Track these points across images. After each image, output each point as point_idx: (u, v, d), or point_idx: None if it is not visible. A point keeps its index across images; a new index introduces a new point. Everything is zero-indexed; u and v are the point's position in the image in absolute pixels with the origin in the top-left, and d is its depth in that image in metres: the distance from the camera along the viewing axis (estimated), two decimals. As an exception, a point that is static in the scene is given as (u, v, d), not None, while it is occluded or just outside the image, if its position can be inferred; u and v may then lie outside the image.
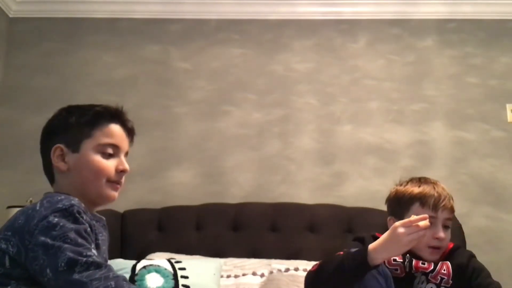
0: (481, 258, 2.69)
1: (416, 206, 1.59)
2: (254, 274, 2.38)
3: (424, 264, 1.54)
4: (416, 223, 1.36)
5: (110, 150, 1.28)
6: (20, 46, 3.16)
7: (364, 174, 2.97)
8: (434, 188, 1.61)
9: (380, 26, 3.19)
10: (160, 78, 3.14)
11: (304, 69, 3.14)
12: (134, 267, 2.13)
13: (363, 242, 1.61)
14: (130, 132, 1.36)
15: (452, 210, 1.61)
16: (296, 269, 2.34)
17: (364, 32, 3.19)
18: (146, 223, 2.75)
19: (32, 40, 3.17)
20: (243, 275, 2.38)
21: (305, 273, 2.28)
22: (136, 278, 2.07)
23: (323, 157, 3.00)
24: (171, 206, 2.83)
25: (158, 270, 2.11)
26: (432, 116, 3.05)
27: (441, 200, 1.58)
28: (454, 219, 2.62)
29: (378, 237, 1.60)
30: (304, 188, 2.94)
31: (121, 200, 2.86)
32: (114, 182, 1.28)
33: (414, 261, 1.55)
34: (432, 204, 1.58)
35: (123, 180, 1.31)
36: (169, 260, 2.21)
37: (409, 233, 1.36)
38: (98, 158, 1.25)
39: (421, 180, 1.67)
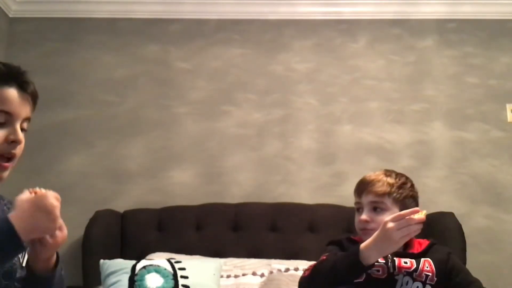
0: (481, 258, 2.71)
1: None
2: (254, 274, 2.38)
3: (406, 263, 1.50)
4: (408, 217, 1.31)
5: (1, 118, 1.10)
6: (20, 46, 3.16)
7: (364, 174, 2.96)
8: (367, 175, 1.69)
9: (380, 26, 3.19)
10: (160, 78, 3.14)
11: (304, 69, 3.14)
12: (134, 267, 2.13)
13: (341, 246, 1.61)
14: (32, 96, 1.17)
15: (376, 193, 1.58)
16: (296, 269, 2.33)
17: (364, 32, 3.19)
18: (146, 223, 2.75)
19: (32, 40, 3.17)
20: (243, 275, 2.38)
21: (305, 273, 2.30)
22: (136, 278, 2.07)
23: (323, 157, 3.00)
24: (171, 206, 2.83)
25: (158, 270, 2.11)
26: (432, 116, 3.05)
27: (361, 186, 1.63)
28: (453, 219, 2.62)
29: (354, 240, 1.61)
30: (304, 188, 2.94)
31: (121, 200, 2.89)
32: (1, 158, 1.11)
33: (396, 260, 1.50)
34: (356, 190, 1.65)
35: (16, 151, 1.13)
36: (169, 260, 2.21)
37: (399, 227, 1.31)
38: None
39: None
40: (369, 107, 3.08)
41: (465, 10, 3.17)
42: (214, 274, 2.24)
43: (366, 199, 1.59)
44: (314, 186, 2.95)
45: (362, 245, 1.37)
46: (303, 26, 3.20)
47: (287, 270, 2.33)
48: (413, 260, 1.51)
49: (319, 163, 2.99)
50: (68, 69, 3.13)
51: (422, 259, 1.52)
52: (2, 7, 3.12)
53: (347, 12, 3.21)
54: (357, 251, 1.36)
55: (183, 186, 2.95)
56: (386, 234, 1.33)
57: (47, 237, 1.06)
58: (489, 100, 3.06)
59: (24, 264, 1.14)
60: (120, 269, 2.15)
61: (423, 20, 3.19)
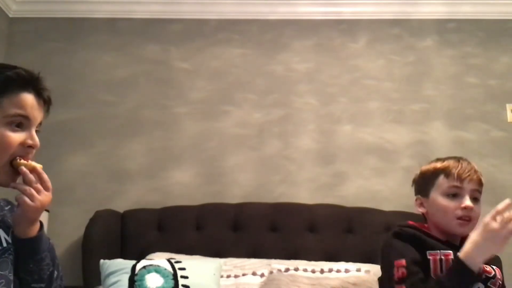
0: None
1: (441, 178, 1.50)
2: (254, 274, 2.38)
3: (487, 268, 1.42)
4: (507, 210, 1.28)
5: (18, 122, 1.12)
6: (20, 46, 3.16)
7: (364, 174, 2.97)
8: (459, 161, 1.53)
9: (380, 26, 3.19)
10: (160, 78, 3.14)
11: (304, 69, 3.14)
12: (134, 267, 2.13)
13: (416, 241, 1.46)
14: (45, 103, 1.20)
15: (480, 182, 1.51)
16: (296, 269, 2.33)
17: (364, 32, 3.19)
18: (146, 223, 2.75)
19: (32, 40, 3.17)
20: (243, 275, 2.38)
21: (305, 273, 2.30)
22: (136, 278, 2.07)
23: (323, 157, 3.00)
24: (171, 206, 2.83)
25: (158, 270, 2.11)
26: (432, 116, 3.05)
27: (466, 171, 1.49)
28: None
29: (422, 230, 1.47)
30: (304, 188, 2.94)
31: (121, 200, 2.89)
32: (15, 171, 1.12)
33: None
34: (457, 174, 1.49)
35: (30, 156, 1.15)
36: (169, 260, 2.21)
37: (504, 224, 1.26)
38: (2, 131, 1.09)
39: (446, 158, 1.58)
40: (369, 107, 3.07)
41: (465, 10, 3.17)
42: (214, 274, 2.24)
43: (470, 185, 1.49)
44: (314, 186, 2.95)
45: (463, 255, 1.29)
46: (303, 26, 3.20)
47: (287, 270, 2.33)
48: (491, 267, 1.44)
49: (319, 163, 2.99)
50: (68, 69, 3.13)
51: (494, 267, 1.46)
52: (2, 7, 3.12)
53: (347, 12, 3.21)
54: (462, 263, 1.28)
55: (183, 186, 2.95)
56: (493, 234, 1.28)
57: (27, 200, 1.09)
58: (489, 100, 3.06)
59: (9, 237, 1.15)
60: (120, 269, 2.15)
61: (423, 20, 3.19)
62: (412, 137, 3.02)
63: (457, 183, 1.48)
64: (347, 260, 2.50)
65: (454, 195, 1.48)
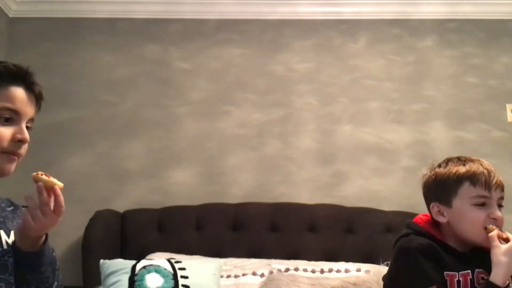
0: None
1: (466, 186, 1.37)
2: (254, 274, 2.38)
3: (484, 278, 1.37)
4: None
5: (7, 116, 1.11)
6: (20, 46, 3.16)
7: (364, 174, 2.97)
8: (482, 165, 1.41)
9: (380, 26, 3.19)
10: (160, 78, 3.14)
11: (304, 69, 3.14)
12: (134, 267, 2.13)
13: (436, 256, 1.35)
14: (37, 98, 1.18)
15: (503, 187, 1.40)
16: (296, 269, 2.34)
17: (364, 32, 3.19)
18: (146, 223, 2.75)
19: (32, 40, 3.17)
20: (243, 275, 2.38)
21: (305, 273, 2.30)
22: (136, 278, 2.07)
23: (323, 157, 3.00)
24: (171, 206, 2.83)
25: (158, 270, 2.11)
26: (432, 116, 3.05)
27: (492, 177, 1.39)
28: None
29: (429, 234, 1.39)
30: (304, 188, 2.94)
31: (121, 200, 2.89)
32: (9, 153, 1.11)
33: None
34: (484, 182, 1.37)
35: (22, 151, 1.14)
36: (169, 260, 2.21)
37: None
38: None
39: (461, 159, 1.45)
40: (369, 107, 3.08)
41: (465, 10, 3.17)
42: (214, 274, 2.24)
43: (497, 193, 1.38)
44: (314, 186, 2.95)
45: (499, 281, 1.25)
46: (303, 26, 3.20)
47: (287, 270, 2.33)
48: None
49: (319, 163, 2.99)
50: (68, 69, 3.13)
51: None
52: (2, 7, 3.12)
53: (347, 12, 3.21)
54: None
55: (183, 186, 2.95)
56: None
57: (28, 218, 1.06)
58: (489, 100, 3.06)
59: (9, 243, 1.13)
60: (120, 269, 2.15)
61: (423, 20, 3.19)
62: (412, 137, 3.02)
63: (485, 193, 1.36)
64: (347, 260, 2.50)
65: (483, 204, 1.37)
